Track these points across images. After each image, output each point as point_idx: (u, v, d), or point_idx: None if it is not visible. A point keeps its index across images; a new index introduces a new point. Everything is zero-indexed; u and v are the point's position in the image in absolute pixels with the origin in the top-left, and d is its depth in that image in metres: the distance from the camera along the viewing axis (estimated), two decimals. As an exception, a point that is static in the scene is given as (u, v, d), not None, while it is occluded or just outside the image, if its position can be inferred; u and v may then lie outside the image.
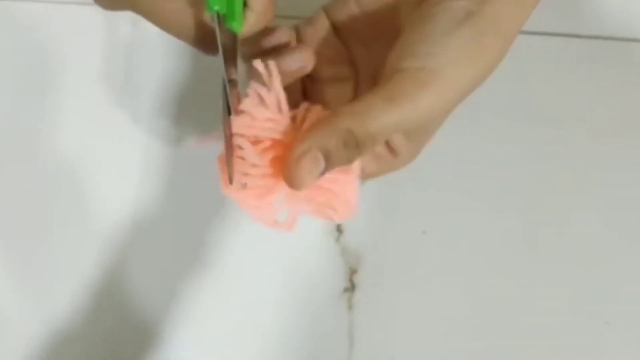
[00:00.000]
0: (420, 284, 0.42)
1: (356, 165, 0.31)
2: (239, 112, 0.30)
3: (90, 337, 0.43)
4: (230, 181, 0.30)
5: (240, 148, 0.29)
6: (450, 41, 0.28)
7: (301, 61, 0.32)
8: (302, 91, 0.35)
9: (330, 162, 0.28)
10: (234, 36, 0.30)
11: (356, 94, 0.34)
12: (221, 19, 0.29)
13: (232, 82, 0.30)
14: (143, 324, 0.43)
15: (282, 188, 0.30)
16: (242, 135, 0.30)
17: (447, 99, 0.29)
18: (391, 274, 0.43)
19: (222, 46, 0.29)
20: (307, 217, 0.32)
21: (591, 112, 0.43)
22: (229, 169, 0.30)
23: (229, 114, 0.30)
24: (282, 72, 0.31)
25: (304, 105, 0.32)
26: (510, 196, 0.43)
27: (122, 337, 0.43)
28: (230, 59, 0.30)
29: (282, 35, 0.33)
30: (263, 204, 0.30)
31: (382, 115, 0.28)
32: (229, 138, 0.30)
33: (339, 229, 0.43)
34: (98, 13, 0.45)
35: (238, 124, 0.30)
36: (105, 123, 0.44)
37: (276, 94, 0.30)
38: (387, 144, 0.32)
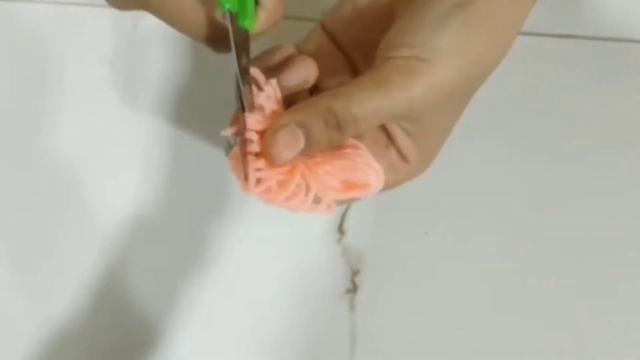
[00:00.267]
0: (422, 285, 0.42)
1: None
2: (254, 109, 0.30)
3: (90, 336, 0.43)
4: (246, 178, 0.30)
5: (252, 142, 0.29)
6: (440, 32, 0.28)
7: (304, 74, 0.32)
8: None
9: (310, 140, 0.28)
10: (245, 34, 0.30)
11: None
12: (233, 17, 0.29)
13: (246, 81, 0.29)
14: (143, 324, 0.43)
15: (298, 175, 0.30)
16: (255, 131, 0.29)
17: (435, 88, 0.29)
18: (393, 275, 0.43)
19: (235, 45, 0.29)
20: (341, 196, 0.31)
21: (591, 112, 0.43)
22: (244, 167, 0.30)
23: (243, 111, 0.30)
24: (286, 87, 0.31)
25: None
26: (512, 197, 0.43)
27: (122, 337, 0.43)
28: (244, 58, 0.29)
29: (285, 52, 0.33)
30: (290, 195, 0.30)
31: (366, 98, 0.28)
32: (243, 135, 0.30)
33: (340, 229, 0.43)
34: (98, 14, 0.45)
35: (251, 120, 0.30)
36: (106, 123, 0.44)
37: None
38: (398, 150, 0.31)
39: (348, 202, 0.39)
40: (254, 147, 0.29)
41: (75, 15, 0.45)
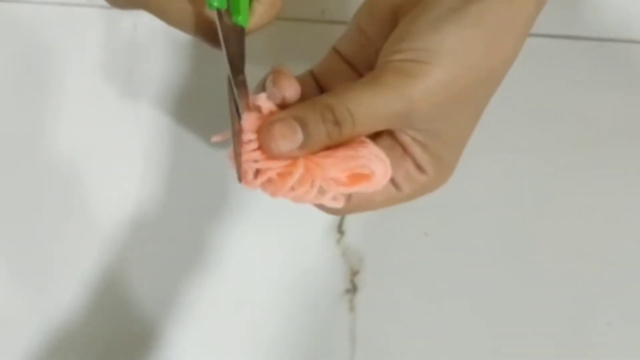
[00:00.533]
0: (421, 286, 0.42)
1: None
2: (251, 109, 0.30)
3: (90, 336, 0.43)
4: (239, 177, 0.30)
5: (250, 140, 0.29)
6: (435, 35, 0.29)
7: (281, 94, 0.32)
8: None
9: (308, 134, 0.29)
10: (240, 31, 0.30)
11: None
12: (222, 15, 0.29)
13: (239, 80, 0.30)
14: (143, 324, 0.43)
15: (300, 167, 0.29)
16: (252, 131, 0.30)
17: (432, 90, 0.29)
18: (393, 275, 0.43)
19: (228, 42, 0.29)
20: (345, 189, 0.31)
21: (591, 113, 0.43)
22: (237, 164, 0.29)
23: (237, 110, 0.30)
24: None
25: None
26: (511, 197, 0.43)
27: (122, 337, 0.43)
28: (237, 55, 0.29)
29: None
30: (295, 185, 0.29)
31: (363, 96, 0.29)
32: (237, 134, 0.30)
33: (340, 230, 0.43)
34: (98, 14, 0.45)
35: (248, 119, 0.30)
36: (106, 123, 0.44)
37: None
38: (414, 160, 0.31)
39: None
40: (253, 145, 0.29)
41: (75, 16, 0.45)
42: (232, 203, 0.43)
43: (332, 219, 0.43)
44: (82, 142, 0.44)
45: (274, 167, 0.29)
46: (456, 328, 0.42)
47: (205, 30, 0.30)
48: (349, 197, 0.31)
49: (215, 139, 0.31)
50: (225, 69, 0.29)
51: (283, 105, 0.30)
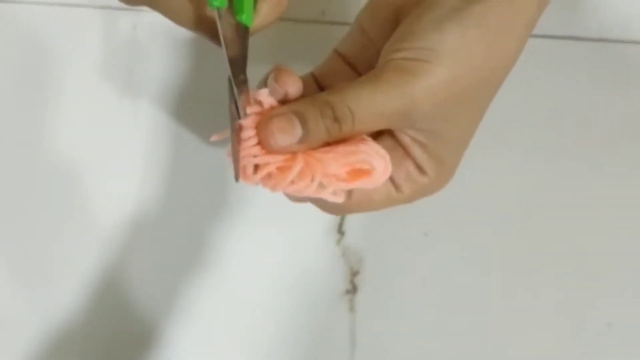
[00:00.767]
0: (421, 286, 0.42)
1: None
2: (251, 103, 0.30)
3: (90, 336, 0.43)
4: (236, 176, 0.29)
5: (249, 136, 0.29)
6: (436, 34, 0.28)
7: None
8: None
9: (307, 129, 0.29)
10: (244, 30, 0.29)
11: None
12: (225, 13, 0.29)
13: (240, 79, 0.29)
14: (143, 324, 0.43)
15: (300, 161, 0.29)
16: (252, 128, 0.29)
17: (433, 89, 0.29)
18: (392, 275, 0.43)
19: (229, 41, 0.29)
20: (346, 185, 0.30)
21: (590, 113, 0.43)
22: (234, 162, 0.29)
23: (237, 109, 0.29)
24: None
25: None
26: (511, 198, 0.43)
27: (122, 337, 0.43)
28: (240, 55, 0.29)
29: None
30: (295, 179, 0.29)
31: (363, 94, 0.28)
32: (236, 132, 0.30)
33: (340, 230, 0.43)
34: (98, 14, 0.45)
35: (248, 117, 0.29)
36: (106, 123, 0.44)
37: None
38: (414, 161, 0.31)
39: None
40: (252, 141, 0.29)
41: (75, 16, 0.45)
42: (232, 203, 0.43)
43: (332, 219, 0.43)
44: (82, 142, 0.44)
45: (273, 162, 0.29)
46: (456, 328, 0.42)
47: (208, 29, 0.30)
48: (348, 195, 0.31)
49: (214, 138, 0.31)
50: (225, 68, 0.29)
51: (284, 102, 0.30)
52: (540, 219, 0.43)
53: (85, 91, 0.44)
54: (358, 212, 0.33)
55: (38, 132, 0.44)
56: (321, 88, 0.34)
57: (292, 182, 0.29)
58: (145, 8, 0.44)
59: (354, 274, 0.43)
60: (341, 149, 0.30)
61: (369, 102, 0.29)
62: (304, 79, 0.33)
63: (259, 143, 0.29)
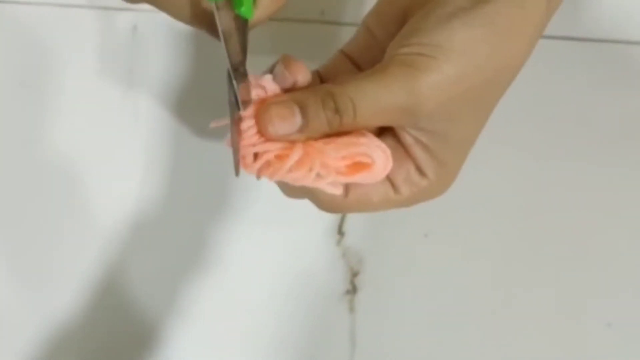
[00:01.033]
0: (421, 287, 0.42)
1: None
2: (254, 87, 0.29)
3: (90, 336, 0.43)
4: (236, 171, 0.29)
5: (249, 127, 0.29)
6: (443, 31, 0.28)
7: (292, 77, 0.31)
8: None
9: (307, 119, 0.28)
10: (244, 23, 0.29)
11: None
12: (224, 6, 0.28)
13: (240, 72, 0.29)
14: (143, 324, 0.43)
15: (299, 149, 0.29)
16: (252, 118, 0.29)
17: (439, 86, 0.28)
18: (393, 276, 0.43)
19: (228, 35, 0.28)
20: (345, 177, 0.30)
21: (590, 114, 0.43)
22: (234, 156, 0.29)
23: (236, 102, 0.29)
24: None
25: None
26: (511, 198, 0.43)
27: (122, 337, 0.43)
28: (239, 48, 0.29)
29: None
30: (293, 167, 0.29)
31: (366, 86, 0.28)
32: (235, 124, 0.29)
33: (340, 231, 0.43)
34: (98, 15, 0.45)
35: (248, 108, 0.29)
36: (106, 123, 0.44)
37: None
38: (415, 163, 0.31)
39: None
40: (252, 130, 0.29)
41: (75, 16, 0.45)
42: (232, 203, 0.43)
43: (333, 220, 0.43)
44: (82, 142, 0.44)
45: (272, 149, 0.29)
46: (456, 329, 0.42)
47: (206, 22, 0.30)
48: (345, 193, 0.30)
49: (213, 124, 0.31)
50: (225, 63, 0.29)
51: (288, 91, 0.30)
52: (541, 219, 0.42)
53: (85, 91, 0.44)
54: (354, 211, 0.32)
55: (38, 132, 0.44)
56: None
57: (290, 171, 0.29)
58: (144, 7, 0.44)
59: (354, 274, 0.43)
60: (341, 140, 0.29)
61: (372, 96, 0.28)
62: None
63: (259, 131, 0.29)
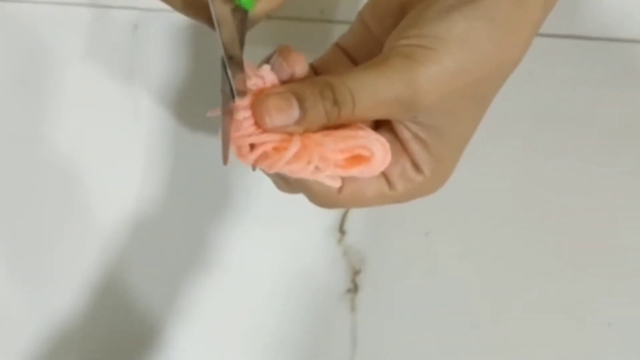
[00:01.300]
0: (422, 286, 0.42)
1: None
2: (252, 77, 0.29)
3: (90, 336, 0.43)
4: (224, 159, 0.29)
5: (246, 118, 0.29)
6: (443, 23, 0.28)
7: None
8: None
9: (305, 110, 0.28)
10: (243, 15, 0.28)
11: None
12: None
13: (234, 61, 0.28)
14: (143, 324, 0.43)
15: (297, 141, 0.28)
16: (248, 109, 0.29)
17: (438, 78, 0.28)
18: (394, 275, 0.43)
19: (224, 25, 0.28)
20: (344, 171, 0.30)
21: (590, 113, 0.43)
22: (224, 142, 0.29)
23: (231, 91, 0.29)
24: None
25: None
26: (511, 197, 0.43)
27: (122, 337, 0.43)
28: (237, 40, 0.28)
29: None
30: (291, 159, 0.28)
31: (365, 78, 0.28)
32: (228, 114, 0.29)
33: (341, 230, 0.43)
34: (98, 13, 0.45)
35: (244, 99, 0.29)
36: (106, 122, 0.44)
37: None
38: (411, 158, 0.30)
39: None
40: (249, 121, 0.28)
41: (75, 15, 0.45)
42: (233, 202, 0.43)
43: (333, 219, 0.43)
44: (81, 142, 0.44)
45: (269, 141, 0.28)
46: (456, 328, 0.42)
47: (203, 12, 0.29)
48: (340, 188, 0.30)
49: (211, 113, 0.30)
50: (220, 52, 0.28)
51: (286, 82, 0.29)
52: (541, 218, 0.42)
53: (85, 89, 0.44)
54: (348, 206, 0.32)
55: (38, 132, 0.44)
56: None
57: (289, 163, 0.28)
58: (143, 5, 0.44)
59: (355, 273, 0.43)
60: (340, 133, 0.29)
61: (371, 87, 0.28)
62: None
63: (256, 122, 0.28)
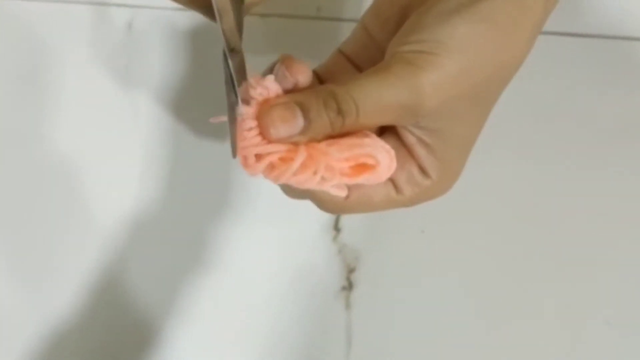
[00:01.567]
0: (418, 283, 0.42)
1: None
2: (256, 88, 0.29)
3: (89, 336, 0.43)
4: (234, 154, 0.29)
5: (251, 128, 0.29)
6: (443, 27, 0.28)
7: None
8: None
9: (309, 121, 0.28)
10: (241, 3, 0.28)
11: None
12: None
13: (234, 52, 0.28)
14: (143, 324, 0.43)
15: (302, 151, 0.29)
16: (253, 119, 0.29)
17: (439, 83, 0.28)
18: (389, 272, 0.43)
19: (224, 11, 0.27)
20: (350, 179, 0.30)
21: (590, 111, 0.43)
22: (232, 141, 0.29)
23: (232, 81, 0.29)
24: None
25: None
26: (507, 195, 0.43)
27: (121, 337, 0.43)
28: (237, 28, 0.28)
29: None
30: (298, 170, 0.29)
31: (368, 86, 0.28)
32: (231, 107, 0.29)
33: (336, 227, 0.43)
34: (94, 11, 0.45)
35: (249, 107, 0.29)
36: (105, 121, 0.44)
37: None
38: (418, 163, 0.31)
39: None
40: (254, 131, 0.29)
41: (71, 13, 0.45)
42: (228, 201, 0.43)
43: (329, 216, 0.43)
44: (80, 141, 0.44)
45: (275, 151, 0.29)
46: (453, 325, 0.42)
47: (200, 2, 0.29)
48: (347, 194, 0.30)
49: (213, 120, 0.30)
50: (220, 58, 0.28)
51: (290, 91, 0.30)
52: (538, 215, 0.42)
53: (82, 89, 0.44)
54: (356, 212, 0.32)
55: (35, 131, 0.44)
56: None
57: (295, 174, 0.29)
58: (143, 4, 0.44)
59: (350, 271, 0.43)
60: (345, 141, 0.29)
61: (374, 95, 0.28)
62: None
63: (261, 133, 0.29)
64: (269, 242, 0.43)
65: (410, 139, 0.30)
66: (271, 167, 0.29)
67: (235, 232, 0.43)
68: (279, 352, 0.42)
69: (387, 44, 0.30)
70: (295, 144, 0.29)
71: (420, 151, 0.30)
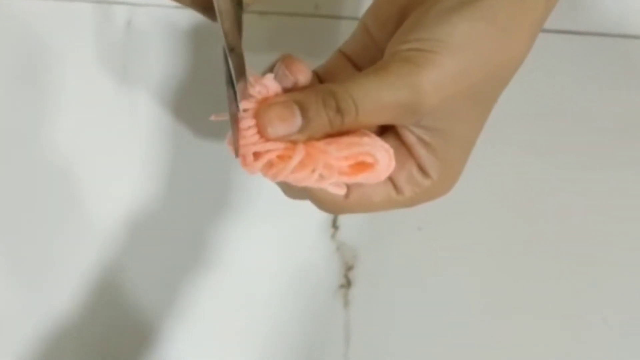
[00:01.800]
0: (415, 280, 0.42)
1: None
2: (255, 86, 0.29)
3: (89, 336, 0.43)
4: (236, 153, 0.29)
5: (250, 126, 0.29)
6: (443, 26, 0.28)
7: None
8: None
9: (308, 119, 0.28)
10: (239, 2, 0.28)
11: None
12: None
13: (234, 51, 0.28)
14: (142, 323, 0.43)
15: (301, 149, 0.29)
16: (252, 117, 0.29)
17: (439, 82, 0.28)
18: (387, 270, 0.43)
19: (225, 11, 0.27)
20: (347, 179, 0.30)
21: (590, 109, 0.43)
22: (234, 141, 0.29)
23: (231, 80, 0.29)
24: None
25: None
26: (505, 192, 0.43)
27: (121, 336, 0.43)
28: (237, 27, 0.28)
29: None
30: (296, 168, 0.28)
31: (367, 84, 0.28)
32: (232, 102, 0.29)
33: (334, 225, 0.43)
34: (93, 9, 0.45)
35: (248, 104, 0.29)
36: (104, 121, 0.44)
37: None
38: (417, 162, 0.30)
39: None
40: (253, 130, 0.29)
41: (70, 11, 0.44)
42: (227, 199, 0.43)
43: (327, 214, 0.43)
44: (79, 140, 0.44)
45: (273, 149, 0.29)
46: (451, 323, 0.42)
47: (200, 2, 0.29)
48: (347, 194, 0.30)
49: (213, 117, 0.30)
50: (220, 61, 0.28)
51: (290, 90, 0.30)
52: (535, 213, 0.43)
53: (80, 88, 0.44)
54: (356, 212, 0.32)
55: (34, 130, 0.44)
56: None
57: (293, 172, 0.29)
58: (142, 1, 0.44)
59: (349, 268, 0.43)
60: (344, 140, 0.29)
61: (374, 93, 0.28)
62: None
63: (259, 132, 0.29)
64: (267, 240, 0.43)
65: (410, 138, 0.30)
66: (269, 165, 0.29)
67: (232, 230, 0.43)
68: (277, 349, 0.43)
69: (387, 43, 0.30)
70: (294, 142, 0.29)
71: (420, 151, 0.30)
